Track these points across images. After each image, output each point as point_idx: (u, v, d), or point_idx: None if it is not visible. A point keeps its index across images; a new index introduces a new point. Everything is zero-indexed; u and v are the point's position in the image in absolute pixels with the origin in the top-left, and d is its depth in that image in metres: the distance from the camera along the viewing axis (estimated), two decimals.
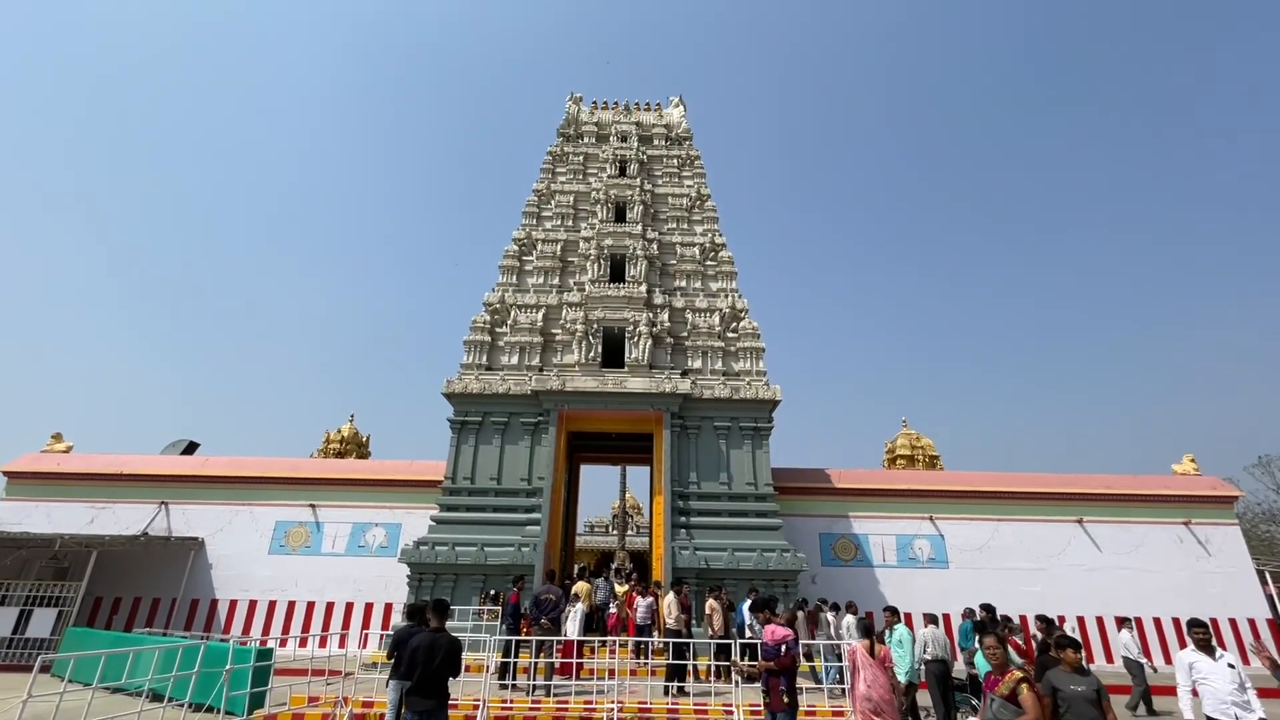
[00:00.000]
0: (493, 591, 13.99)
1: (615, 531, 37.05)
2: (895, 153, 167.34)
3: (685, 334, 18.57)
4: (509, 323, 18.53)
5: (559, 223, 20.95)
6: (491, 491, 16.29)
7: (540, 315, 18.63)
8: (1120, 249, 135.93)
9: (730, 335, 18.57)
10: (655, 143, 23.98)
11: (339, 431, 26.97)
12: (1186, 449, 46.66)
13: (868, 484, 19.14)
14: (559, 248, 20.14)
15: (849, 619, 12.31)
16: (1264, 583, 18.32)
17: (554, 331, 18.56)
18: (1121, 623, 13.03)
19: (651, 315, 18.45)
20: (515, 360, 18.01)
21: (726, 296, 19.28)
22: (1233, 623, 17.26)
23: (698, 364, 18.06)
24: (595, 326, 18.09)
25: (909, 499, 18.84)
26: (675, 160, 23.22)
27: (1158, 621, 17.22)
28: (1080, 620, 17.19)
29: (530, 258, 20.14)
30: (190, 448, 21.98)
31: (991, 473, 19.89)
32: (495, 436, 16.88)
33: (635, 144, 23.30)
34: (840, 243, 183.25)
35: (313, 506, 18.25)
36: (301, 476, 18.77)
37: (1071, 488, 19.06)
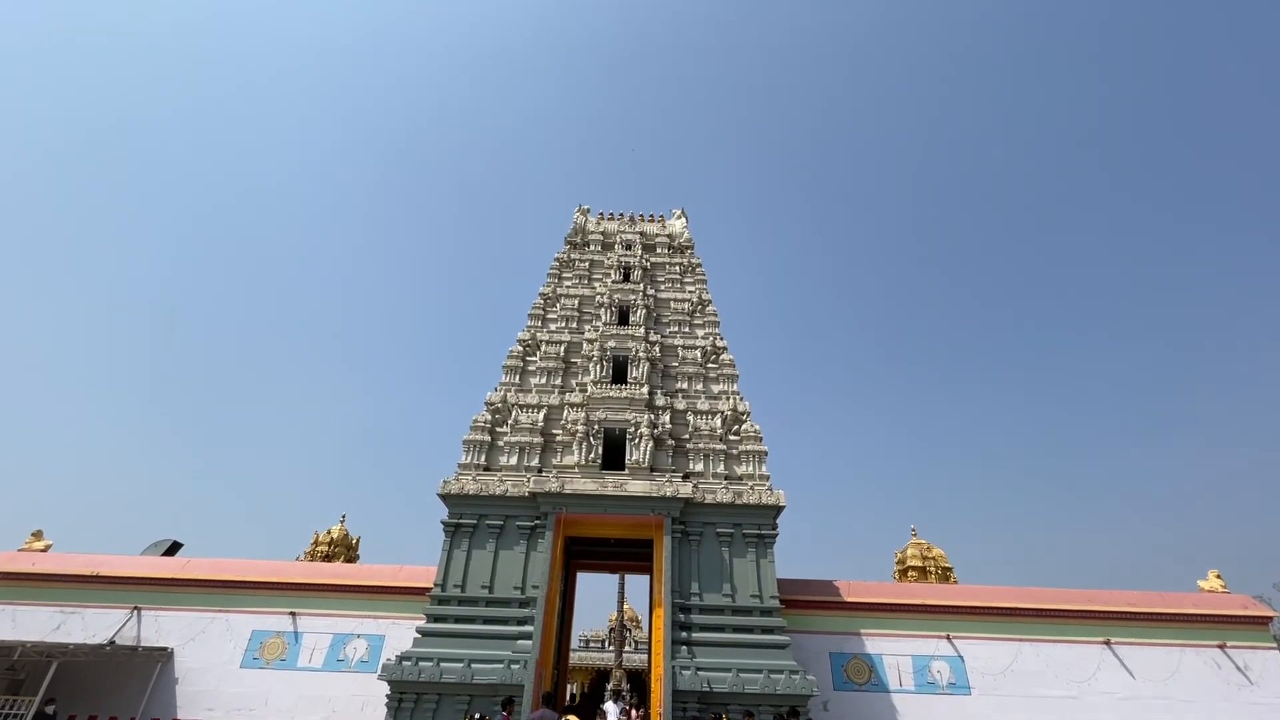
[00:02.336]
0: (478, 715, 12.87)
1: (612, 647, 34.76)
2: (911, 250, 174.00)
3: (686, 436, 18.40)
4: (510, 422, 18.45)
5: (563, 325, 21.43)
6: (482, 601, 15.44)
7: (541, 415, 18.58)
8: (1142, 357, 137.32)
9: (732, 438, 18.39)
10: (658, 250, 25.05)
11: (329, 533, 26.06)
12: (1210, 564, 44.69)
13: (880, 598, 18.10)
14: (563, 349, 20.46)
15: None
16: None
17: (555, 432, 18.43)
18: None
19: (653, 417, 18.38)
20: (514, 460, 17.73)
21: (728, 399, 19.31)
22: None
23: (699, 467, 17.75)
24: (596, 427, 17.97)
25: (925, 615, 17.75)
26: (677, 267, 24.14)
27: None
28: None
29: (534, 358, 20.41)
30: (173, 548, 21.17)
31: (1012, 587, 18.86)
32: (490, 541, 16.26)
33: (639, 251, 24.34)
34: (846, 341, 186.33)
35: (293, 615, 17.27)
36: (283, 581, 17.90)
37: (1098, 604, 17.97)
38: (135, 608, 17.28)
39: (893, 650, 17.16)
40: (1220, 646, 17.33)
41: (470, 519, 16.44)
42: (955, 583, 24.02)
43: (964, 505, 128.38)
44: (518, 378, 19.87)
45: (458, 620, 15.16)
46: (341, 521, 26.88)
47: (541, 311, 21.86)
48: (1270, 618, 18.41)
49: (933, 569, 25.95)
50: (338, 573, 18.78)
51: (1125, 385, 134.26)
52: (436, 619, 15.18)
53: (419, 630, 15.00)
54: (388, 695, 13.88)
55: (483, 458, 17.84)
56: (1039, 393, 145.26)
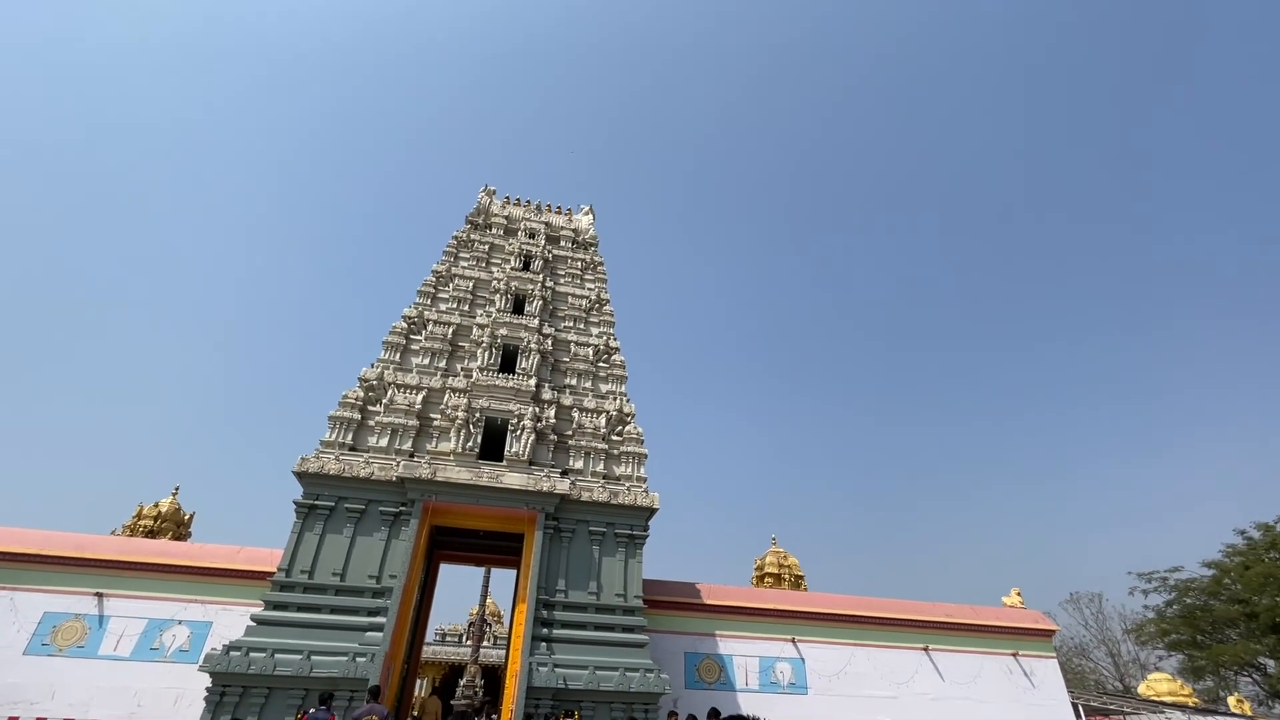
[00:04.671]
0: (311, 711, 11.97)
1: (470, 642, 33.79)
2: (796, 277, 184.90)
3: (570, 432, 18.31)
4: (384, 401, 17.39)
5: (454, 306, 20.58)
6: (332, 589, 14.40)
7: (420, 398, 17.69)
8: (980, 396, 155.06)
9: (615, 438, 18.54)
10: (562, 244, 24.78)
11: (156, 506, 23.23)
12: (1014, 582, 51.58)
13: (736, 601, 19.08)
14: (451, 331, 19.64)
15: None
16: (1078, 715, 19.85)
17: (432, 416, 17.62)
18: None
19: (538, 410, 18.12)
20: (385, 442, 16.74)
21: (615, 399, 19.46)
22: None
23: (579, 464, 17.72)
24: (478, 415, 17.40)
25: (775, 619, 18.92)
26: (579, 263, 24.02)
27: None
28: None
29: (419, 337, 19.41)
30: None
31: (851, 597, 20.61)
32: (347, 525, 15.21)
33: (542, 242, 23.94)
34: (722, 346, 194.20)
35: (99, 595, 15.14)
36: (88, 557, 15.62)
37: (921, 615, 20.10)
38: None
39: (743, 651, 18.11)
40: (1014, 655, 19.98)
41: (328, 500, 15.29)
42: (805, 590, 25.83)
43: (819, 517, 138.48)
44: (398, 356, 18.80)
45: (301, 609, 14.02)
46: (174, 495, 24.07)
47: (432, 289, 20.85)
48: (1054, 631, 21.53)
49: (787, 576, 27.75)
50: (162, 551, 16.71)
51: (962, 418, 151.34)
52: (277, 606, 13.95)
53: (254, 618, 13.70)
54: (208, 689, 12.52)
55: (349, 437, 16.67)
56: (889, 415, 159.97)
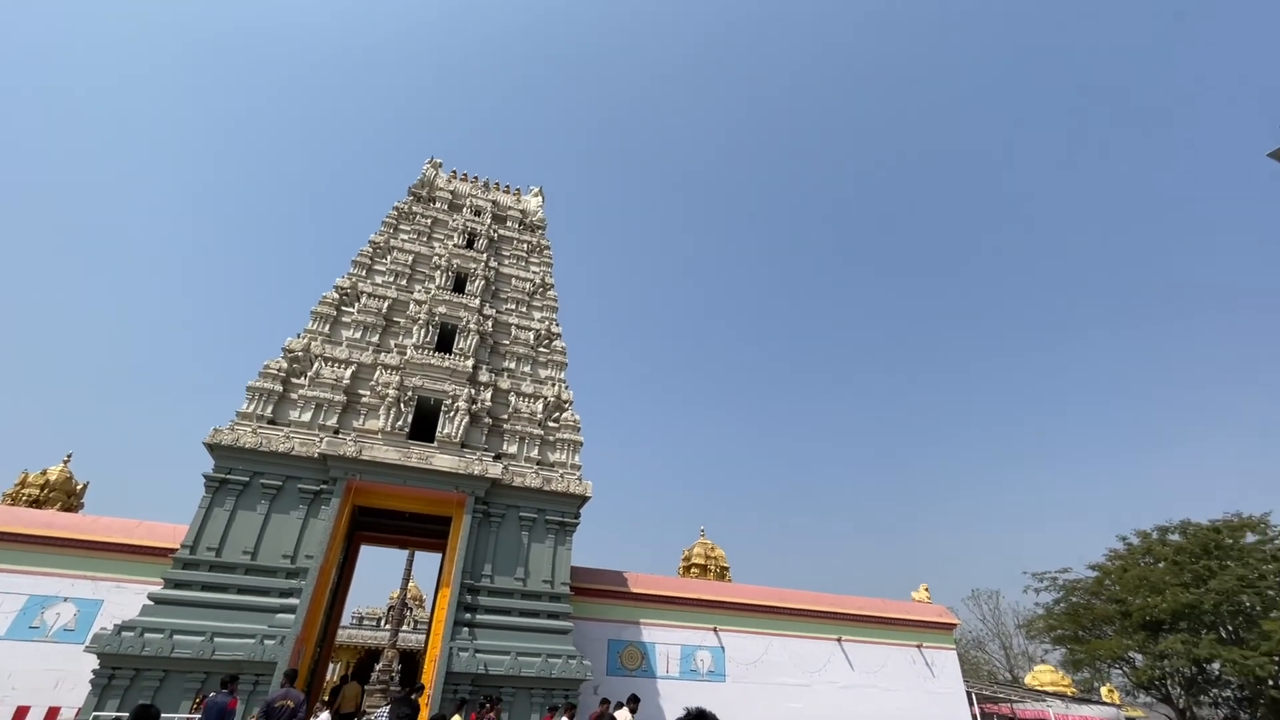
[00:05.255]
0: (212, 695, 11.33)
1: (389, 625, 32.87)
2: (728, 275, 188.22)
3: (505, 416, 18.00)
4: (310, 374, 16.56)
5: (391, 280, 19.80)
6: (241, 568, 13.66)
7: (349, 372, 16.95)
8: (897, 407, 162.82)
9: (551, 424, 18.37)
10: (509, 224, 24.24)
11: (43, 474, 21.34)
12: (923, 578, 54.75)
13: (661, 590, 19.35)
14: (386, 305, 18.90)
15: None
16: (971, 703, 21.28)
17: (361, 392, 16.93)
18: None
19: (473, 392, 17.72)
20: (308, 417, 15.96)
21: (554, 385, 19.26)
22: None
23: (513, 449, 17.47)
24: (410, 394, 16.85)
25: (698, 609, 19.32)
26: (525, 245, 23.57)
27: None
28: None
29: (351, 310, 18.58)
30: None
31: (771, 588, 21.31)
32: (262, 502, 14.44)
33: (488, 220, 23.33)
34: (665, 334, 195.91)
35: None
36: None
37: (835, 607, 21.02)
38: None
39: (666, 639, 18.40)
40: (918, 646, 21.19)
41: (242, 475, 14.46)
42: (730, 581, 26.46)
43: (747, 511, 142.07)
44: (327, 327, 17.94)
45: (206, 588, 13.24)
46: (65, 462, 22.22)
47: (369, 261, 19.98)
48: (954, 625, 22.95)
49: (713, 567, 28.35)
50: (48, 522, 15.36)
51: (885, 427, 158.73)
52: (178, 585, 13.11)
53: (151, 597, 12.83)
54: (95, 671, 11.64)
55: (269, 409, 15.81)
56: (816, 419, 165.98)
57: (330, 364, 17.01)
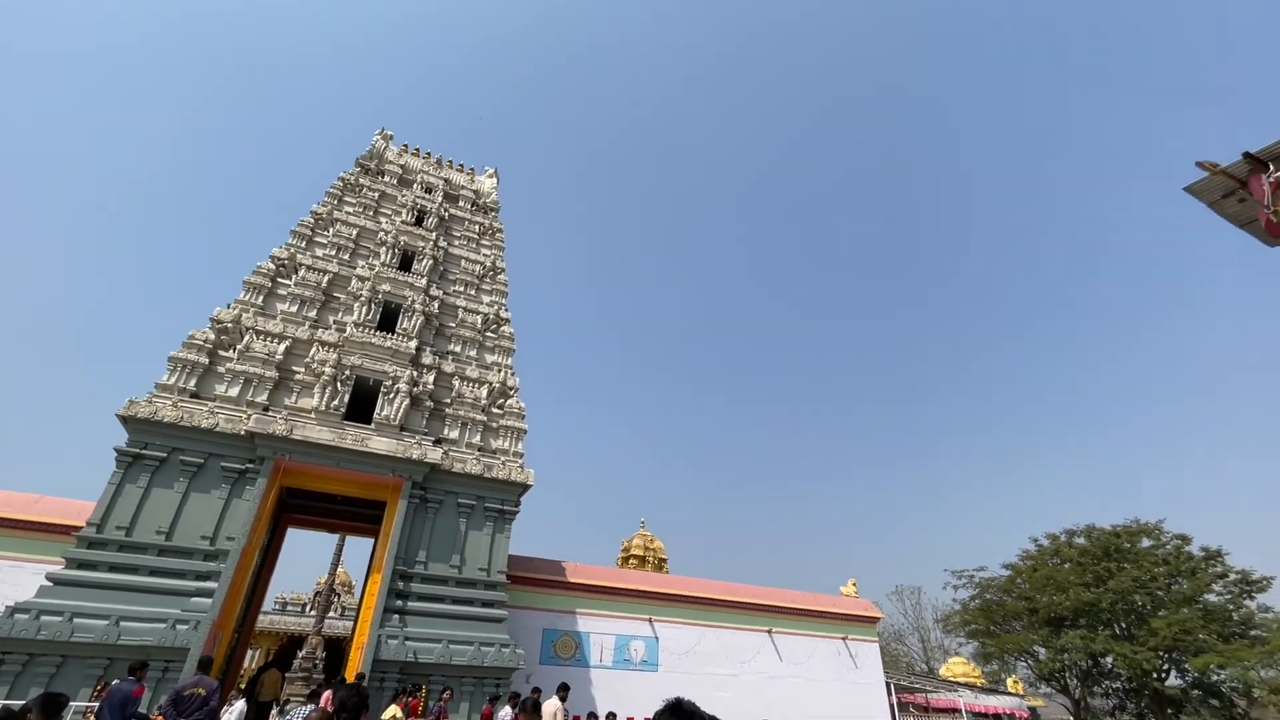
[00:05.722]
0: (115, 682, 10.67)
1: (315, 611, 31.75)
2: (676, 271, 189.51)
3: (448, 400, 17.60)
4: (240, 347, 15.73)
5: (333, 253, 19.00)
6: (154, 549, 12.89)
7: (283, 348, 16.18)
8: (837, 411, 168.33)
9: (495, 410, 18.08)
10: (461, 204, 23.62)
11: None
12: (852, 573, 56.98)
13: (598, 580, 19.42)
14: (326, 280, 18.12)
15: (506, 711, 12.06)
16: (890, 694, 22.32)
17: (295, 369, 16.21)
18: None
19: (415, 374, 17.23)
20: (235, 392, 15.17)
21: (499, 371, 18.95)
22: None
23: (454, 434, 17.11)
24: (348, 373, 16.24)
25: (633, 599, 19.48)
26: (478, 226, 23.03)
27: None
28: None
29: (288, 282, 17.73)
30: None
31: (705, 580, 21.73)
32: (180, 479, 13.65)
33: (440, 199, 22.67)
34: (611, 327, 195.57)
35: None
36: None
37: (767, 600, 21.61)
38: None
39: (601, 629, 18.49)
40: (844, 639, 22.05)
41: (159, 450, 13.62)
42: (668, 573, 26.80)
43: (686, 503, 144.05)
44: (261, 299, 17.06)
45: (114, 569, 12.43)
46: None
47: (309, 232, 19.09)
48: (878, 619, 23.99)
49: (652, 559, 28.65)
50: None
51: (824, 428, 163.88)
52: (82, 565, 12.26)
53: (50, 578, 11.95)
54: None
55: (193, 382, 14.94)
56: (757, 414, 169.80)
57: (263, 337, 16.20)
